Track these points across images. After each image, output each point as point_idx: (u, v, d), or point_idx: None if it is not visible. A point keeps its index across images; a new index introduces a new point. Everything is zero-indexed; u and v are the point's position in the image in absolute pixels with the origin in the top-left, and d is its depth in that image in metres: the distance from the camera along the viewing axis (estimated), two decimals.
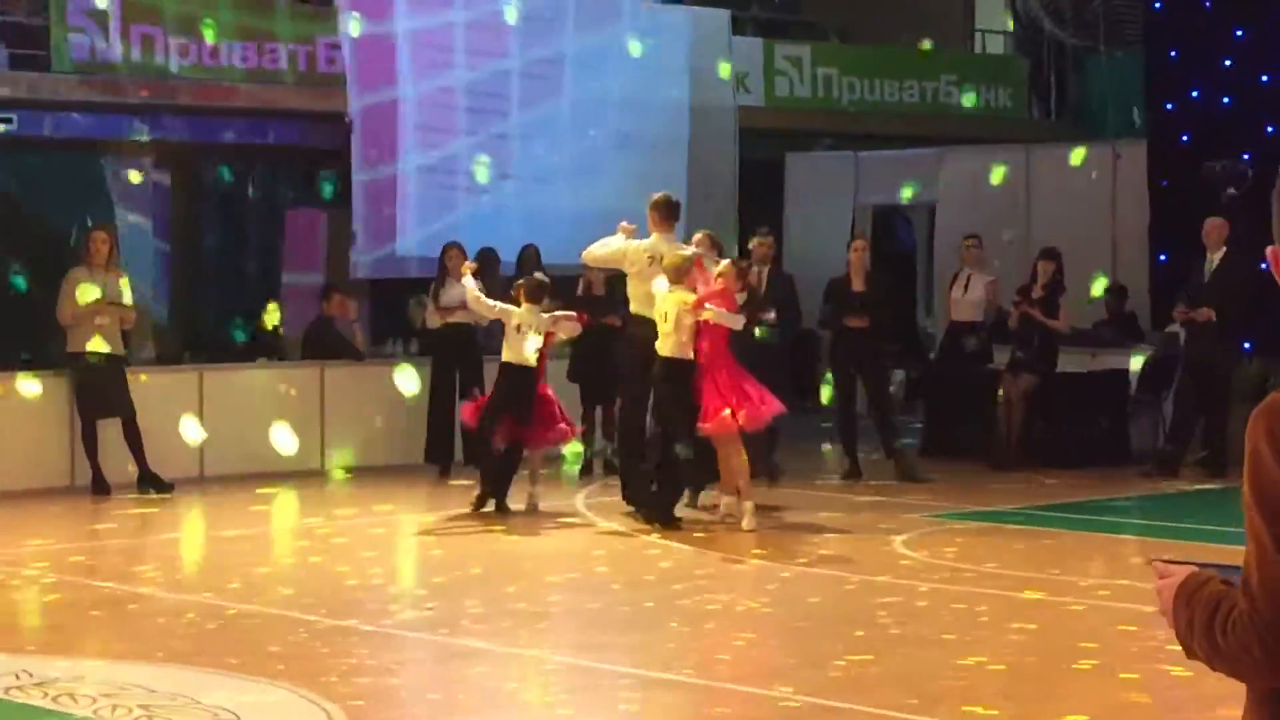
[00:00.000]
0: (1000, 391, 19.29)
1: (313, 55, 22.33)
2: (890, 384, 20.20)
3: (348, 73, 21.81)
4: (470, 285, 16.34)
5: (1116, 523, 15.85)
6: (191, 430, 17.54)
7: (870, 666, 9.88)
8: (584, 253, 16.47)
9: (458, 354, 18.58)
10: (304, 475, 18.08)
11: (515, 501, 15.82)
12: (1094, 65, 28.02)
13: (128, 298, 17.51)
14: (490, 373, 18.07)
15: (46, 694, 9.14)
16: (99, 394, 17.17)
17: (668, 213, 15.94)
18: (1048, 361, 19.30)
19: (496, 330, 16.80)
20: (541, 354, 15.87)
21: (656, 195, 16.12)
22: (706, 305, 14.95)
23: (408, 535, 15.20)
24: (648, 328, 15.50)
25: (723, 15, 24.83)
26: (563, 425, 16.18)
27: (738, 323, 15.26)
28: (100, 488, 17.15)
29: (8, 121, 21.03)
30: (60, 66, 20.68)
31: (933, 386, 21.08)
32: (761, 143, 25.24)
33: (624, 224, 16.01)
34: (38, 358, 18.38)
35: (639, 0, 24.12)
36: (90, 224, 18.45)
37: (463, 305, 18.30)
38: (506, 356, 15.83)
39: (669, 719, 9.14)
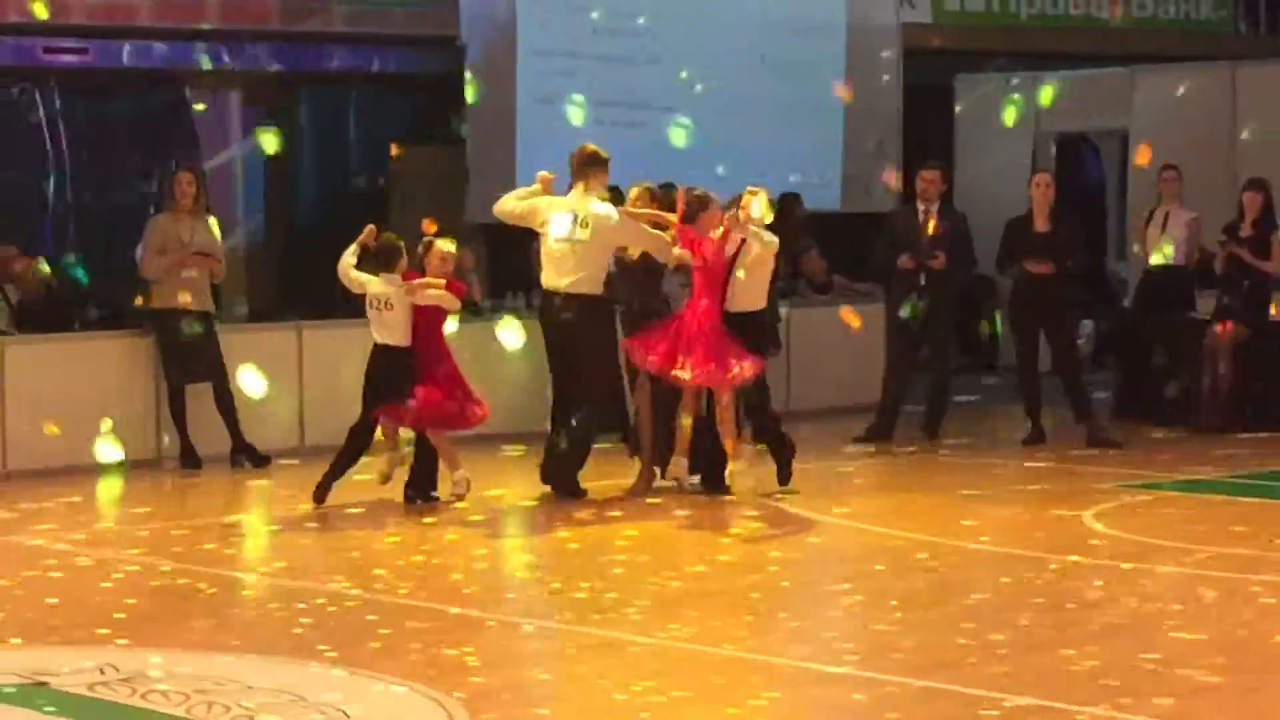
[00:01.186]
0: (1205, 344, 19.09)
1: None
2: (1078, 336, 20.02)
3: None
4: (351, 250, 15.47)
5: None
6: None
7: (1069, 661, 9.78)
8: (495, 205, 16.27)
9: None
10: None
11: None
12: None
13: (217, 246, 17.59)
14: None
15: (134, 690, 9.19)
16: (188, 356, 17.29)
17: (582, 165, 15.66)
18: (1260, 309, 19.07)
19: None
20: (431, 326, 15.32)
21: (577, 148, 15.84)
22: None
23: (528, 516, 15.20)
24: (553, 303, 15.58)
25: None
26: (470, 408, 15.58)
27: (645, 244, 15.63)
28: (190, 460, 17.29)
29: (81, 52, 21.20)
30: None
31: (1127, 339, 20.86)
32: (929, 64, 25.05)
33: (542, 173, 15.88)
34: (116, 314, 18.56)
35: None
36: (175, 164, 18.51)
37: None
38: (376, 336, 15.23)
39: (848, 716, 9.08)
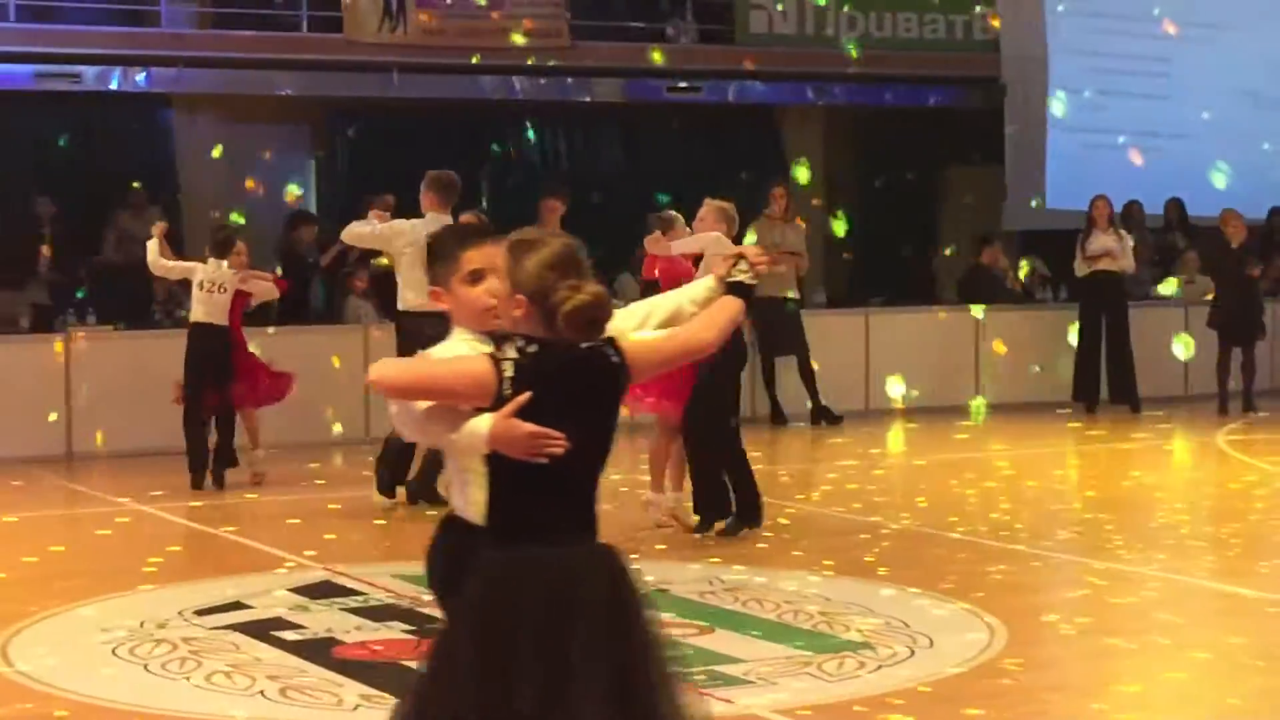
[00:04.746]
0: None
1: (969, 24, 22.22)
2: None
3: (1001, 40, 21.69)
4: (152, 246, 13.66)
5: None
6: (896, 389, 17.72)
7: None
8: (345, 231, 13.24)
9: (1104, 300, 18.20)
10: (953, 411, 17.96)
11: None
12: None
13: (802, 246, 17.73)
14: (1135, 320, 17.83)
15: (737, 599, 9.31)
16: (777, 335, 17.44)
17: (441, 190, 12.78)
18: None
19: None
20: (235, 312, 13.55)
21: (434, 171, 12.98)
22: None
23: (1054, 466, 14.98)
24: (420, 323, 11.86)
25: None
26: (272, 382, 13.97)
27: None
28: (778, 418, 17.44)
29: (696, 90, 21.52)
30: (742, 40, 21.06)
31: None
32: None
33: (376, 210, 13.40)
34: None
35: None
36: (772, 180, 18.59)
37: (1108, 254, 17.98)
38: (195, 316, 13.46)
39: None
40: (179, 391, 13.57)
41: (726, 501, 11.33)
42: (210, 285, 13.37)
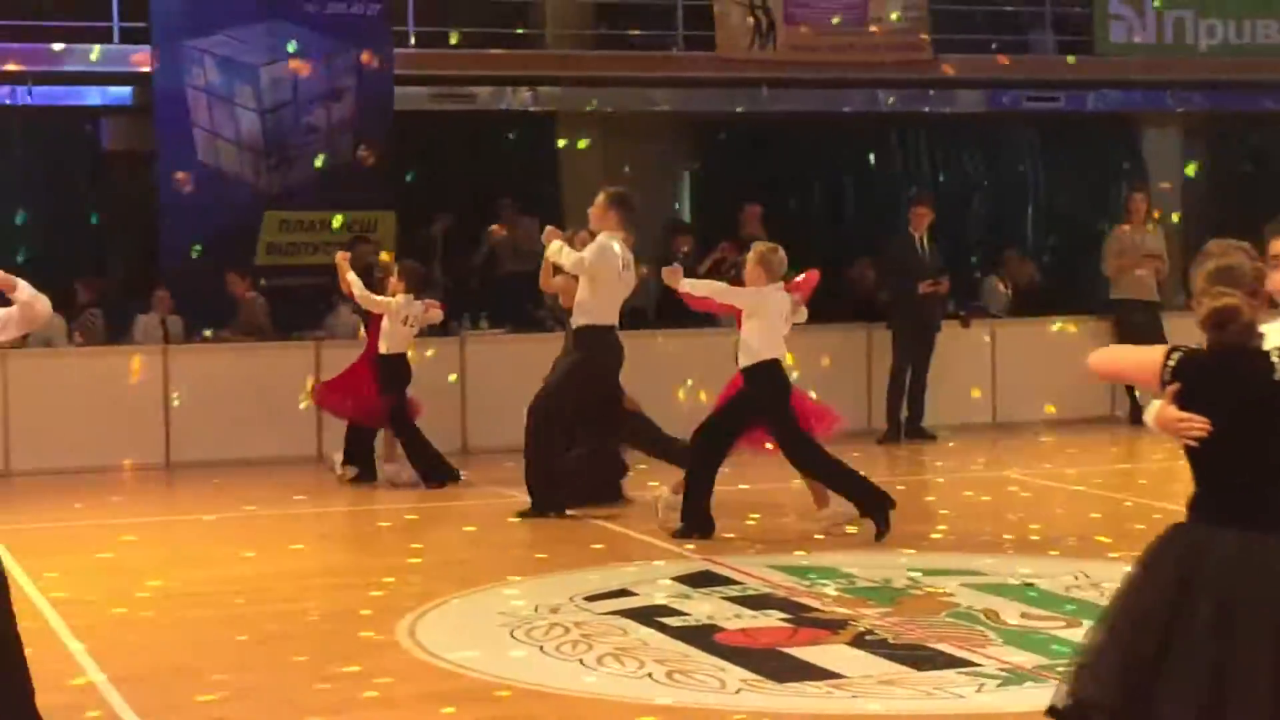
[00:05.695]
0: None
1: None
2: None
3: None
4: (356, 279, 13.99)
5: None
6: None
7: None
8: (572, 262, 12.12)
9: None
10: None
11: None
12: None
13: (1162, 250, 17.59)
14: None
15: (1102, 593, 9.16)
16: (1137, 338, 17.26)
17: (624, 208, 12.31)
18: None
19: None
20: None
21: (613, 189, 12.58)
22: None
23: None
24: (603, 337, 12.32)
25: None
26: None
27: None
28: (1136, 419, 17.26)
29: (1054, 100, 21.37)
30: (1102, 49, 20.86)
31: None
32: None
33: (552, 228, 12.53)
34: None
35: None
36: (1131, 187, 18.44)
37: None
38: (389, 349, 13.91)
39: None
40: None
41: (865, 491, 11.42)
42: (412, 320, 14.03)
